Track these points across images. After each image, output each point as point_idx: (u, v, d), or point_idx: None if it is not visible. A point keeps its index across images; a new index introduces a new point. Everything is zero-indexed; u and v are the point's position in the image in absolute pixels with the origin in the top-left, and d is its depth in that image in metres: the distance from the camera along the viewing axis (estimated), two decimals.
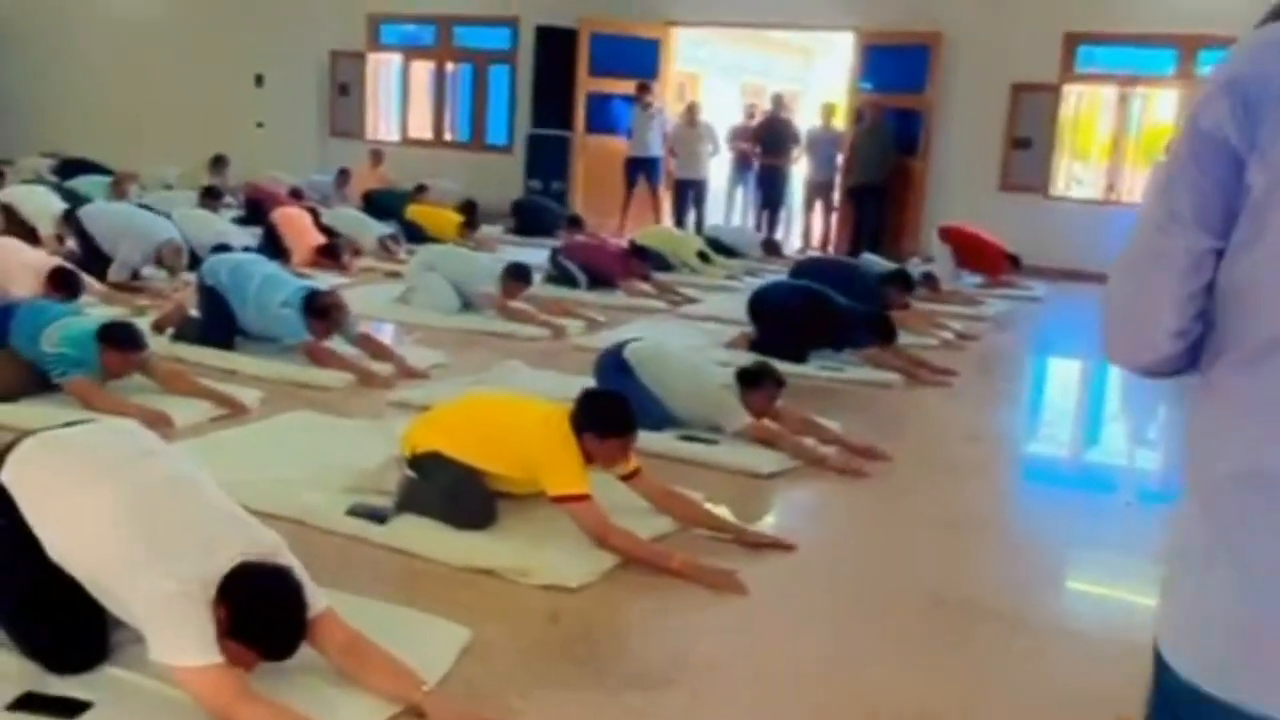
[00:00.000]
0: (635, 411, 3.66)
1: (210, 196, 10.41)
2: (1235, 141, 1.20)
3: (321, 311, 5.58)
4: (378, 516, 3.58)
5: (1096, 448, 5.94)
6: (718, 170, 13.38)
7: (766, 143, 12.83)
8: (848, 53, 12.63)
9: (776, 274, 8.80)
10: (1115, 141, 11.75)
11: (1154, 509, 4.63)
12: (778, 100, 13.41)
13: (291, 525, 3.29)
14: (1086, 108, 12.05)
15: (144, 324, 5.69)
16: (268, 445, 4.37)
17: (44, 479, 2.55)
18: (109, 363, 4.64)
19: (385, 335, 6.56)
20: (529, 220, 11.85)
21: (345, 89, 14.69)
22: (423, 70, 14.72)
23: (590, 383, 4.59)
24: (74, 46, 15.69)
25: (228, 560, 2.36)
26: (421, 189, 11.92)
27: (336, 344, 5.67)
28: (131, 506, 2.47)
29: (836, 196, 12.52)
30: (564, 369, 5.76)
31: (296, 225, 9.02)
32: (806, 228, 12.95)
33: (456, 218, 10.60)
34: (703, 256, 9.86)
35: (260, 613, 2.33)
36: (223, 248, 7.45)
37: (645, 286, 8.58)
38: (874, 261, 8.81)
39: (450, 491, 3.54)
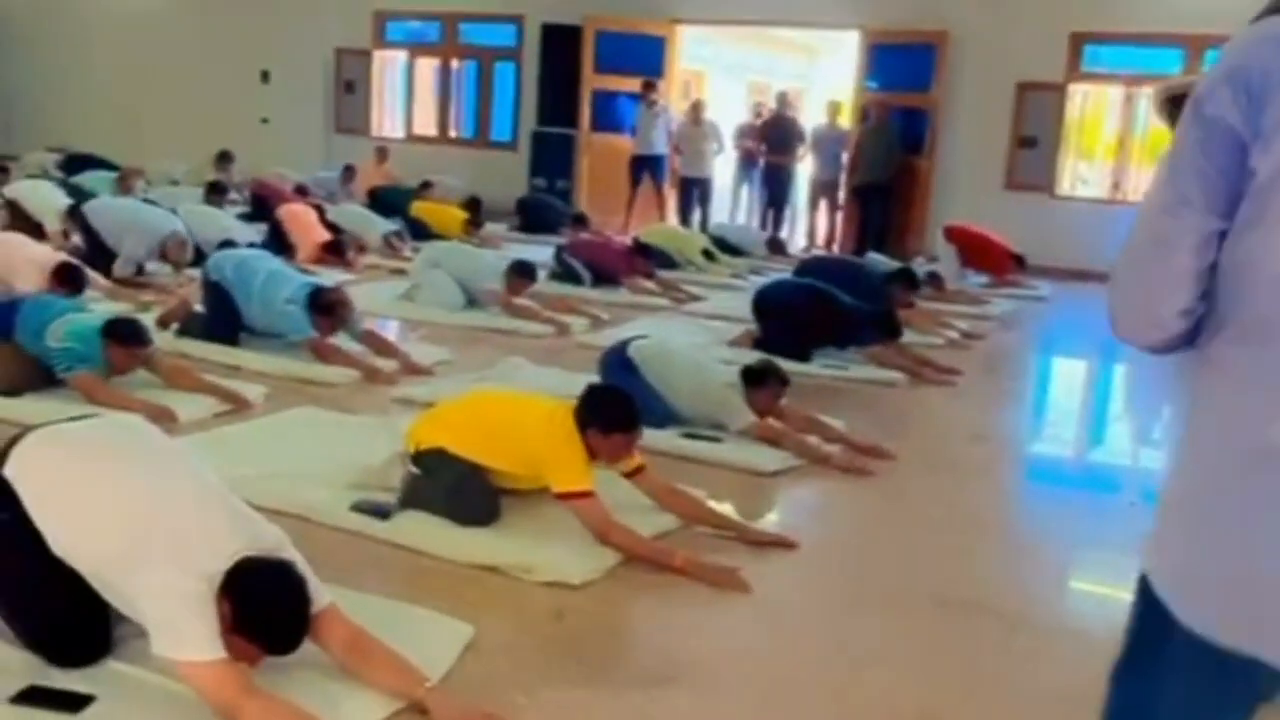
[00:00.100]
0: (639, 408, 3.66)
1: (216, 192, 10.41)
2: (1239, 128, 1.29)
3: (326, 308, 5.58)
4: (381, 513, 3.58)
5: (1101, 447, 5.93)
6: (723, 168, 13.38)
7: (772, 141, 12.83)
8: (853, 51, 12.62)
9: (781, 272, 8.79)
10: (1121, 141, 11.73)
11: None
12: (782, 98, 13.40)
13: (295, 521, 3.29)
14: (1092, 107, 12.03)
15: (149, 320, 5.70)
16: (272, 441, 4.38)
17: (48, 473, 2.55)
18: (114, 358, 4.64)
19: (390, 332, 6.57)
20: (534, 217, 11.86)
21: (351, 86, 14.70)
22: (428, 67, 14.72)
23: (595, 380, 4.59)
24: (80, 42, 15.72)
25: (231, 555, 2.36)
26: (426, 186, 11.92)
27: (341, 340, 5.68)
28: (135, 501, 2.47)
29: (841, 195, 12.50)
30: (568, 366, 5.76)
31: (302, 221, 9.03)
32: (811, 226, 12.94)
33: (461, 215, 10.62)
34: (707, 255, 9.85)
35: (264, 608, 2.33)
36: (228, 244, 7.46)
37: (649, 284, 8.58)
38: (879, 260, 8.81)
39: (454, 488, 3.54)
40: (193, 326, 5.89)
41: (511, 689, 2.65)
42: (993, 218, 10.48)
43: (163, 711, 2.36)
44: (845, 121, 12.55)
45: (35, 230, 8.00)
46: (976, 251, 9.95)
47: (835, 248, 12.27)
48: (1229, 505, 1.34)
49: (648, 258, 8.82)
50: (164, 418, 4.29)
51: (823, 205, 12.81)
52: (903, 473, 4.64)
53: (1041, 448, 5.79)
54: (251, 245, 7.65)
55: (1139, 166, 11.61)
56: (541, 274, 7.84)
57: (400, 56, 14.77)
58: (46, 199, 8.83)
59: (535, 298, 7.32)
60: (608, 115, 13.16)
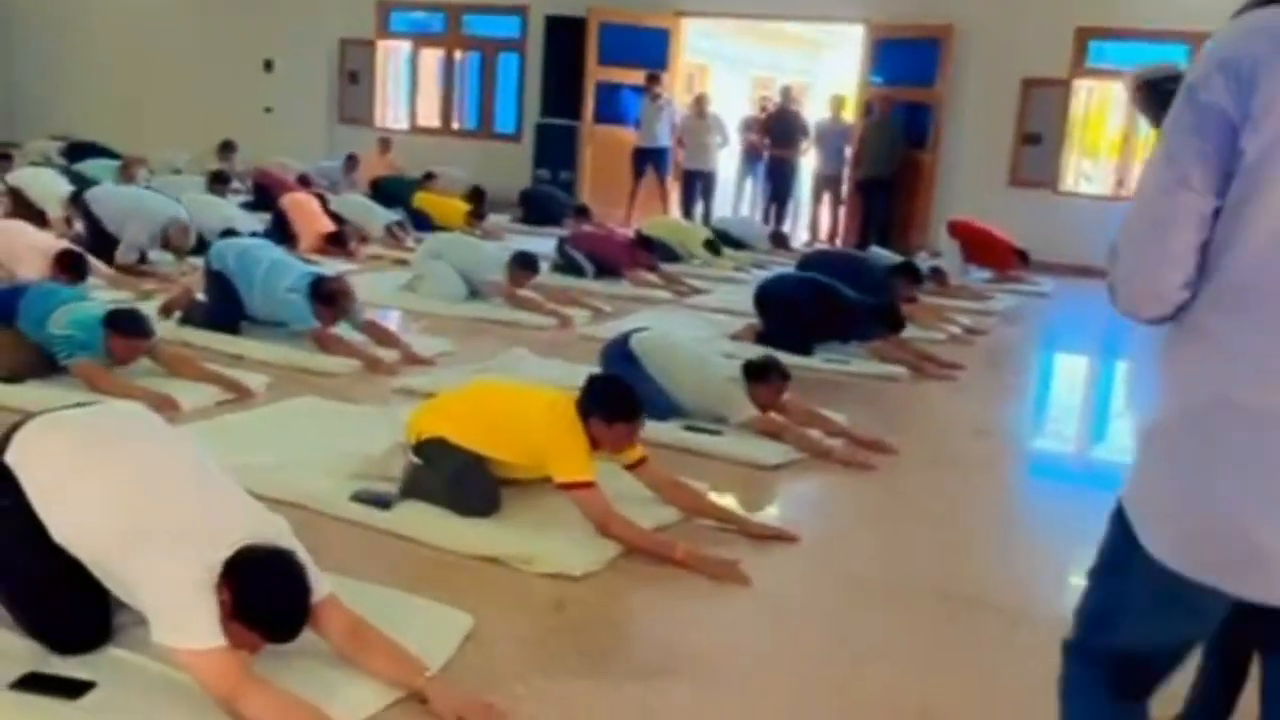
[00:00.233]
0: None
1: (218, 181, 10.41)
2: (1231, 112, 1.42)
3: (328, 298, 5.58)
4: (382, 502, 3.58)
5: (1103, 443, 5.93)
6: (727, 162, 13.36)
7: (775, 135, 12.81)
8: (856, 46, 12.60)
9: (784, 266, 8.79)
10: (1125, 138, 11.70)
11: None
12: (786, 92, 13.39)
13: (296, 510, 3.27)
14: (1097, 103, 12.00)
15: (151, 308, 5.71)
16: (273, 430, 4.37)
17: (49, 461, 2.54)
18: (115, 349, 4.64)
19: (391, 322, 6.57)
20: (536, 209, 11.85)
21: (355, 76, 14.68)
22: (432, 58, 14.70)
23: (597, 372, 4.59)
24: (83, 30, 15.71)
25: (232, 544, 2.35)
26: (429, 177, 11.92)
27: (343, 330, 5.67)
28: (136, 489, 2.47)
29: (845, 189, 12.49)
30: (570, 358, 5.76)
31: (305, 211, 9.02)
32: (814, 220, 12.92)
33: (464, 206, 10.61)
34: (710, 248, 9.83)
35: (264, 596, 2.33)
36: (230, 233, 7.46)
37: (651, 277, 8.57)
38: (882, 255, 8.79)
39: (455, 478, 3.54)
40: (195, 315, 5.89)
41: (511, 679, 2.65)
42: (996, 213, 10.47)
43: (162, 699, 2.36)
44: (849, 116, 12.53)
45: (38, 218, 8.00)
46: (980, 247, 9.94)
47: (838, 242, 12.25)
48: (1190, 452, 1.51)
49: (650, 250, 8.81)
50: (166, 406, 4.30)
51: (826, 199, 12.79)
52: (904, 467, 4.63)
53: (1043, 443, 5.78)
54: (254, 234, 7.65)
55: (1143, 163, 11.55)
56: (544, 266, 7.84)
57: (404, 47, 14.75)
58: (49, 187, 8.83)
59: (537, 290, 7.31)
60: (611, 107, 13.14)
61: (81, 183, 8.93)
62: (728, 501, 3.98)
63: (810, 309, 6.47)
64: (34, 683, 2.39)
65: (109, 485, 2.47)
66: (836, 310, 6.40)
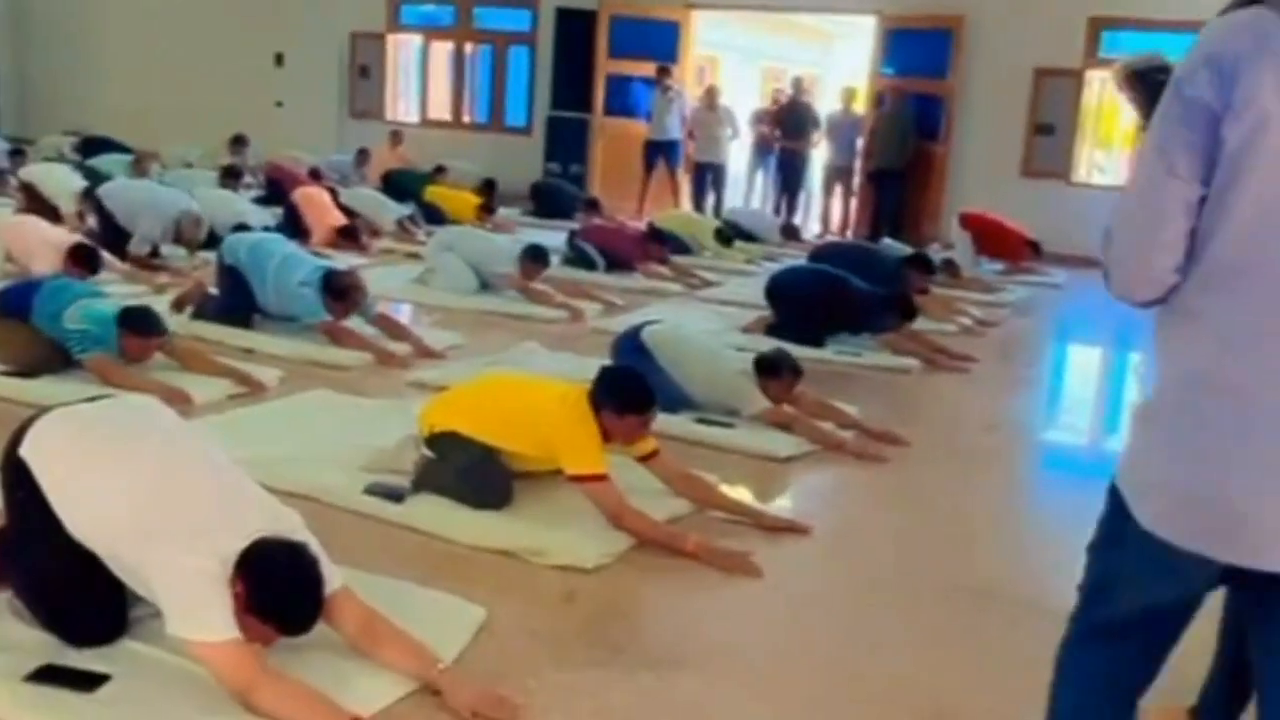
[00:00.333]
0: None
1: (230, 176, 10.42)
2: (1214, 104, 1.50)
3: (340, 291, 5.59)
4: (394, 495, 3.59)
5: (1115, 435, 5.90)
6: (738, 154, 13.33)
7: (786, 127, 12.78)
8: (867, 37, 12.56)
9: (795, 258, 8.78)
10: (1139, 128, 11.62)
11: None
12: (798, 84, 13.35)
13: (308, 503, 3.29)
14: (1109, 94, 11.93)
15: (163, 302, 5.73)
16: (286, 424, 4.39)
17: (63, 454, 2.56)
18: (128, 346, 4.66)
19: (403, 316, 6.59)
20: (547, 202, 11.84)
21: (365, 70, 14.69)
22: (442, 51, 14.71)
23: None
24: (96, 26, 15.74)
25: (245, 537, 2.36)
26: (440, 170, 11.92)
27: (355, 324, 5.68)
28: (150, 483, 2.48)
29: (856, 181, 12.46)
30: (581, 351, 5.76)
31: (317, 205, 9.03)
32: (825, 212, 12.90)
33: (475, 199, 10.61)
34: (721, 240, 9.82)
35: (277, 588, 2.34)
36: (242, 227, 7.47)
37: (663, 270, 8.56)
38: (893, 246, 8.78)
39: (467, 471, 3.55)
40: (207, 309, 5.91)
41: (523, 671, 2.66)
42: (1008, 205, 10.42)
43: (177, 691, 2.38)
44: (860, 107, 12.50)
45: (51, 213, 8.04)
46: (992, 238, 9.90)
47: (849, 234, 12.22)
48: (1178, 426, 1.59)
49: (661, 243, 8.80)
50: (179, 400, 4.31)
51: (837, 191, 12.75)
52: (916, 459, 4.62)
53: (1055, 435, 5.77)
54: (266, 229, 7.67)
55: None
56: (555, 259, 7.84)
57: (415, 40, 14.76)
58: (62, 182, 8.87)
59: (548, 283, 7.31)
60: (622, 100, 13.14)
61: (94, 178, 8.95)
62: (739, 494, 3.98)
63: (821, 301, 6.46)
64: (49, 675, 2.41)
65: (123, 479, 2.48)
66: (848, 302, 6.39)
